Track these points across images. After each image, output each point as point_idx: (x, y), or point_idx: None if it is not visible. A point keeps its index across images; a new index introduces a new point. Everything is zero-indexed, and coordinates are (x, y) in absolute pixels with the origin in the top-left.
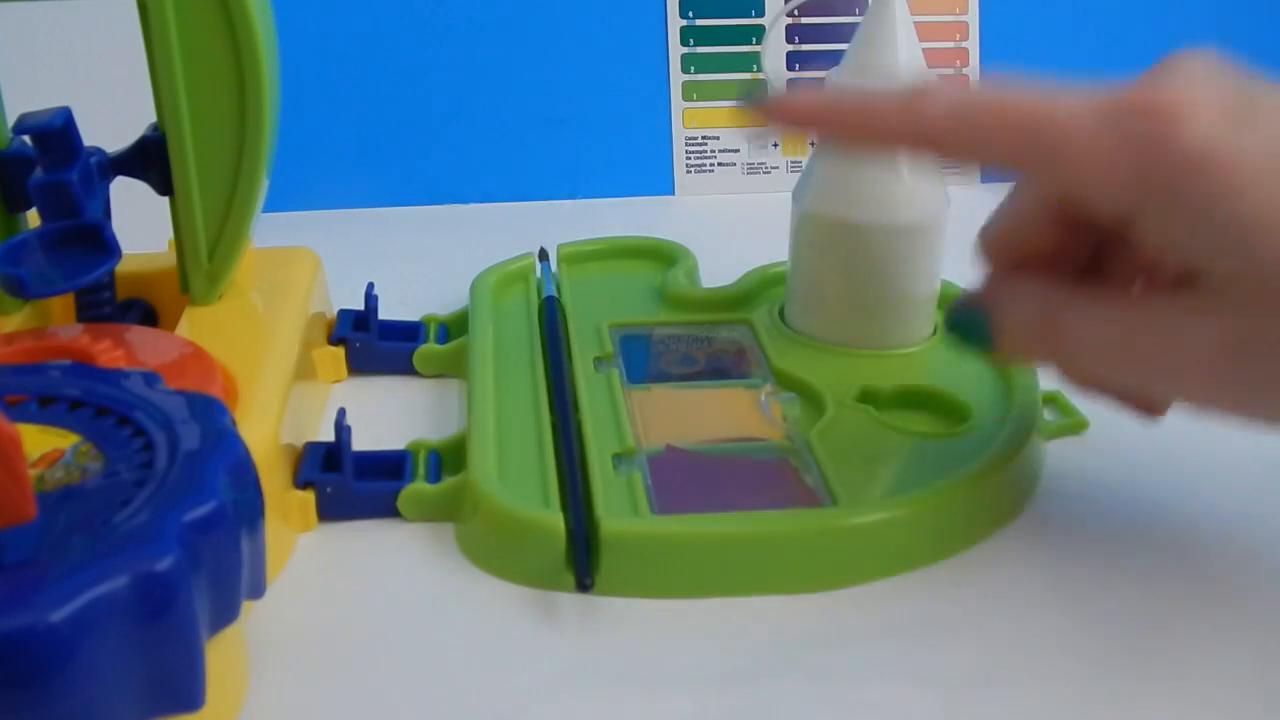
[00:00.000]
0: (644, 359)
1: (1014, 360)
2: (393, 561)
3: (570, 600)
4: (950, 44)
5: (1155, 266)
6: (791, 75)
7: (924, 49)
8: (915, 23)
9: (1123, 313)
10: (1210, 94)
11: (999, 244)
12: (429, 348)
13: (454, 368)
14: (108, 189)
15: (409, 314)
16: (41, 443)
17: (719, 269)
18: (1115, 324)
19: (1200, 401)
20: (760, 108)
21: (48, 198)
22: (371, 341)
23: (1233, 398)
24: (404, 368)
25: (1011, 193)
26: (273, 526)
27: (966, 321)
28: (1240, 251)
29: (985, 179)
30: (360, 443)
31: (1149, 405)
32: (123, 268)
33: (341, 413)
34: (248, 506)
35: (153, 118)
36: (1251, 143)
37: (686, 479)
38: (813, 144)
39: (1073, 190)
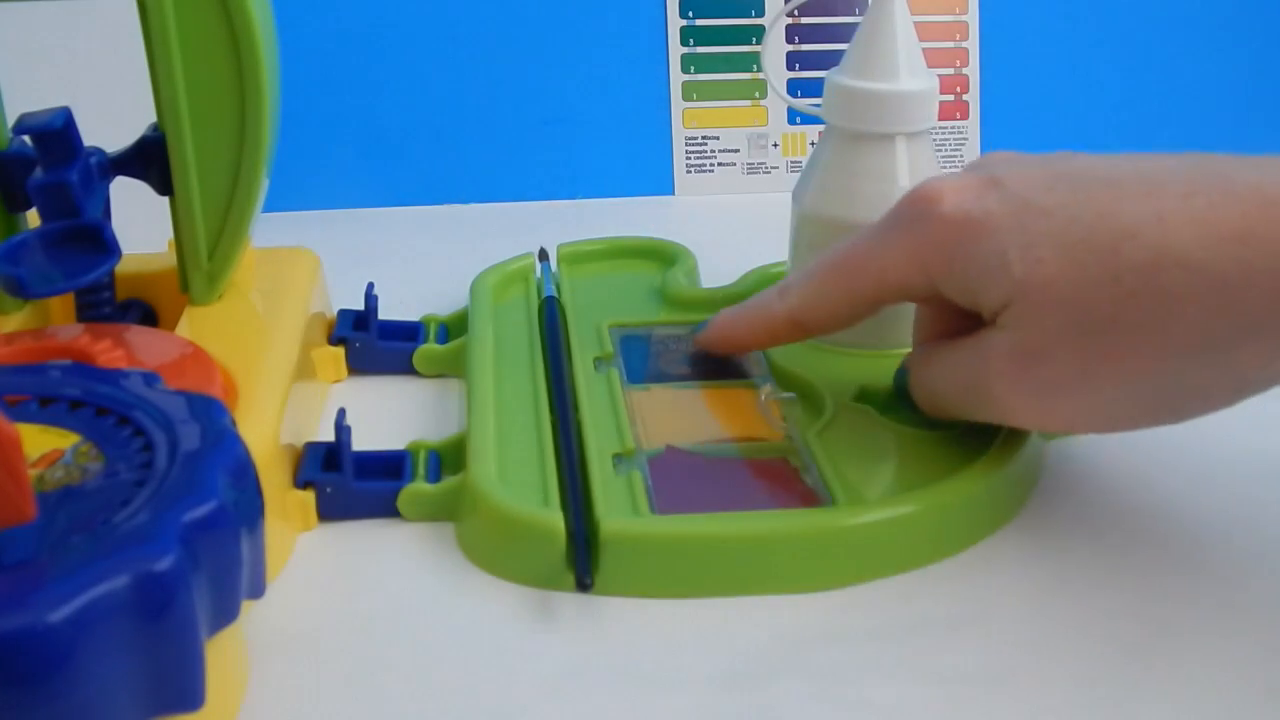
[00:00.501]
0: (644, 359)
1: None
2: (393, 561)
3: (570, 600)
4: (950, 44)
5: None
6: (791, 75)
7: (924, 49)
8: (915, 23)
9: (953, 352)
10: (964, 177)
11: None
12: (429, 348)
13: (454, 368)
14: (108, 189)
15: (409, 314)
16: (41, 443)
17: (719, 269)
18: (949, 360)
19: (1009, 417)
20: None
21: (48, 198)
22: (371, 341)
23: (1027, 404)
24: (404, 368)
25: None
26: (273, 526)
27: (898, 376)
28: (1002, 281)
29: None
30: (360, 443)
31: None
32: (123, 268)
33: (341, 413)
34: (248, 506)
35: (153, 118)
36: (996, 203)
37: (686, 479)
38: (813, 144)
39: (903, 291)
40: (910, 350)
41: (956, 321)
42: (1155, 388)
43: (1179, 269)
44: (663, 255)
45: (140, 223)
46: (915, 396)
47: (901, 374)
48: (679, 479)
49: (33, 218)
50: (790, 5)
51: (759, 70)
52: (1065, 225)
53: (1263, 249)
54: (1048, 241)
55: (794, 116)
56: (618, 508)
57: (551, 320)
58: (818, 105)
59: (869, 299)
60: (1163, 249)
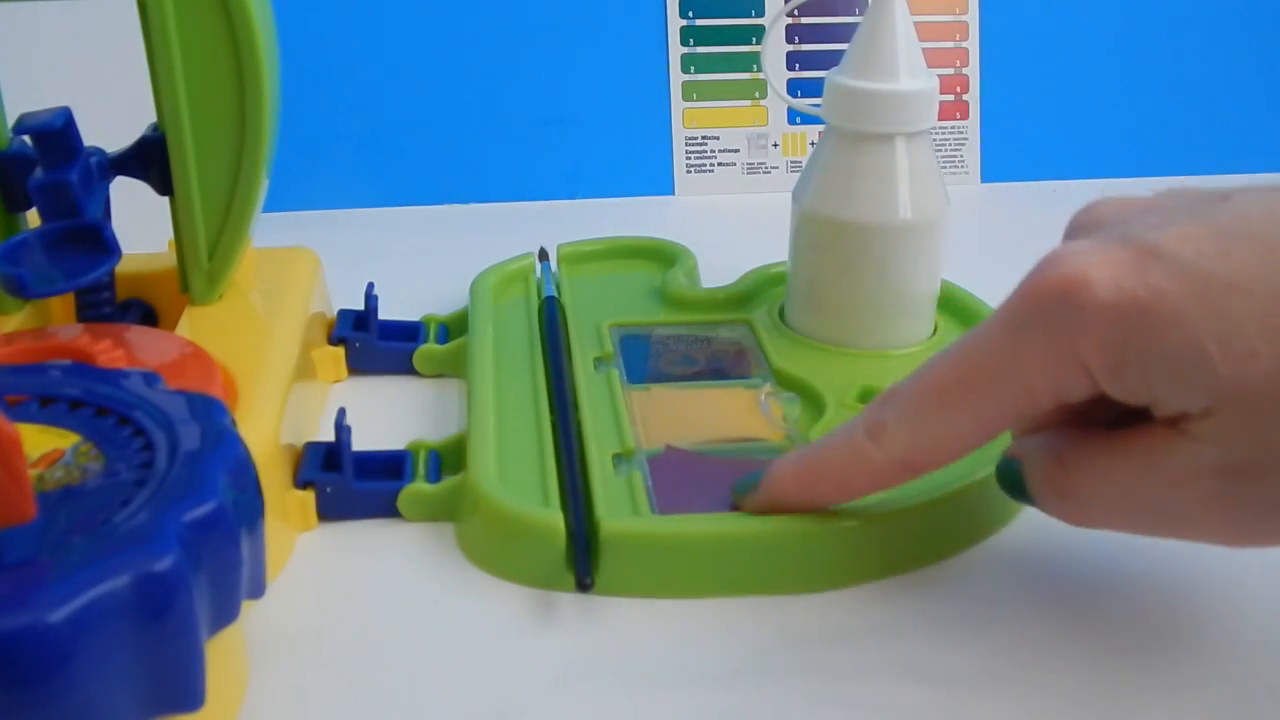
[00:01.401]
0: (644, 359)
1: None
2: (393, 561)
3: (570, 600)
4: (950, 44)
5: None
6: (791, 75)
7: (924, 49)
8: (915, 23)
9: (1124, 463)
10: (1103, 247)
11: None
12: (429, 348)
13: (454, 368)
14: (108, 189)
15: (409, 314)
16: (41, 443)
17: (719, 269)
18: (1118, 474)
19: (1208, 539)
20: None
21: (48, 198)
22: (371, 341)
23: (1236, 529)
24: (404, 368)
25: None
26: (273, 526)
27: (1007, 473)
28: (1199, 383)
29: (986, 179)
30: (360, 443)
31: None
32: (123, 268)
33: (341, 413)
34: (248, 506)
35: (153, 118)
36: (1165, 279)
37: (686, 479)
38: (813, 144)
39: (1056, 402)
40: (1014, 440)
41: (1090, 409)
42: None
43: None
44: (663, 255)
45: (140, 223)
46: (1054, 509)
47: (1010, 467)
48: (679, 479)
49: (33, 218)
50: (790, 5)
51: (759, 70)
52: (1271, 304)
53: None
54: (1253, 327)
55: (794, 116)
56: (618, 508)
57: (551, 320)
58: (818, 105)
59: (1009, 419)
60: None
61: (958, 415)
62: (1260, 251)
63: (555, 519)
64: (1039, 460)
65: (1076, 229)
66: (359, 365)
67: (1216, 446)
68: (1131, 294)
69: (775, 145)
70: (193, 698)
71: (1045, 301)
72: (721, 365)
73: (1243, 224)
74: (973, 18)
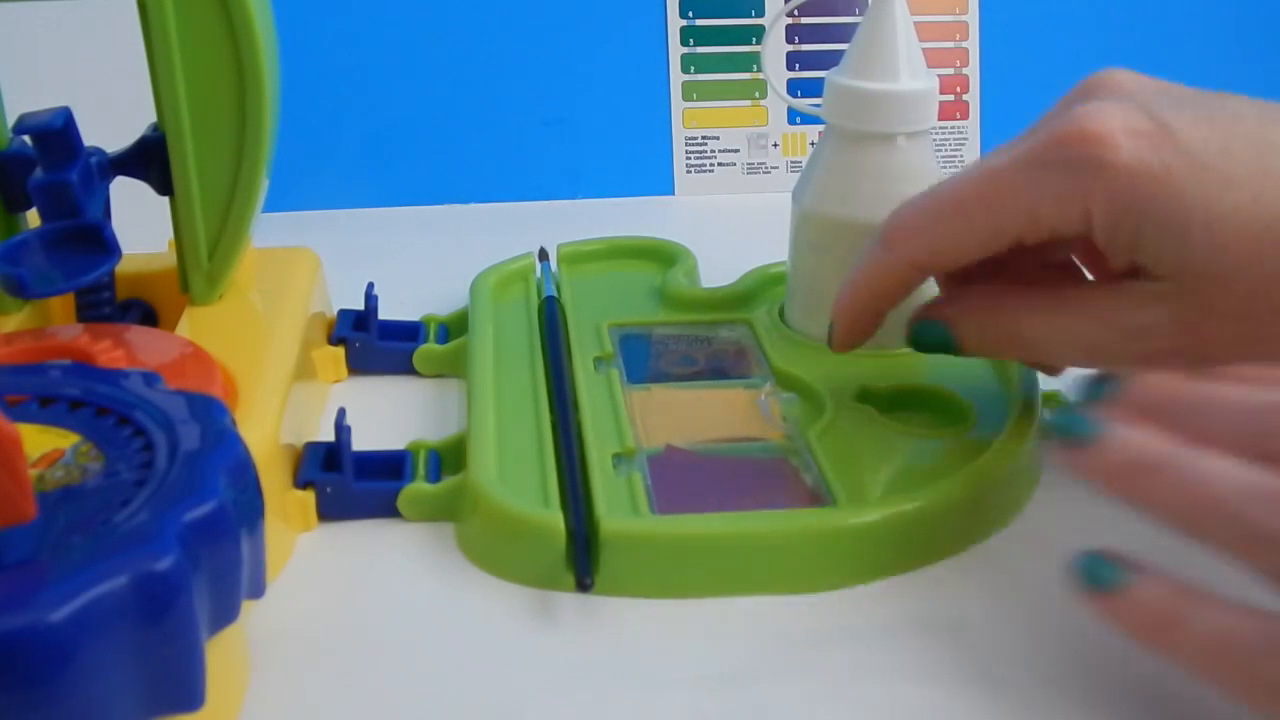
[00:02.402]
0: (644, 359)
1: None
2: (393, 561)
3: (570, 600)
4: (950, 44)
5: (1101, 262)
6: (791, 75)
7: (924, 49)
8: (915, 23)
9: (1078, 308)
10: (1131, 115)
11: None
12: (429, 348)
13: (454, 368)
14: (108, 189)
15: (409, 314)
16: (41, 443)
17: (719, 269)
18: (1070, 318)
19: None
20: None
21: (48, 198)
22: (371, 341)
23: (1185, 365)
24: (404, 368)
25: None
26: (273, 526)
27: (928, 335)
28: (1179, 249)
29: None
30: (360, 443)
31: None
32: (123, 268)
33: (341, 413)
34: (248, 506)
35: (153, 118)
36: (1175, 157)
37: (686, 479)
38: (813, 144)
39: (1050, 234)
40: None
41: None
42: None
43: None
44: (663, 255)
45: (140, 223)
46: (996, 349)
47: (933, 328)
48: (679, 479)
49: (33, 218)
50: (790, 5)
51: (759, 70)
52: (1251, 204)
53: None
54: (1232, 221)
55: (794, 116)
56: (618, 508)
57: (551, 320)
58: (818, 105)
59: (1010, 236)
60: None
61: (970, 226)
62: (1252, 155)
63: (555, 519)
64: (974, 316)
65: (1095, 88)
66: (359, 365)
67: (1178, 294)
68: (1148, 164)
69: (775, 145)
70: (193, 698)
71: (1072, 148)
72: (721, 365)
73: (1244, 129)
74: (973, 18)
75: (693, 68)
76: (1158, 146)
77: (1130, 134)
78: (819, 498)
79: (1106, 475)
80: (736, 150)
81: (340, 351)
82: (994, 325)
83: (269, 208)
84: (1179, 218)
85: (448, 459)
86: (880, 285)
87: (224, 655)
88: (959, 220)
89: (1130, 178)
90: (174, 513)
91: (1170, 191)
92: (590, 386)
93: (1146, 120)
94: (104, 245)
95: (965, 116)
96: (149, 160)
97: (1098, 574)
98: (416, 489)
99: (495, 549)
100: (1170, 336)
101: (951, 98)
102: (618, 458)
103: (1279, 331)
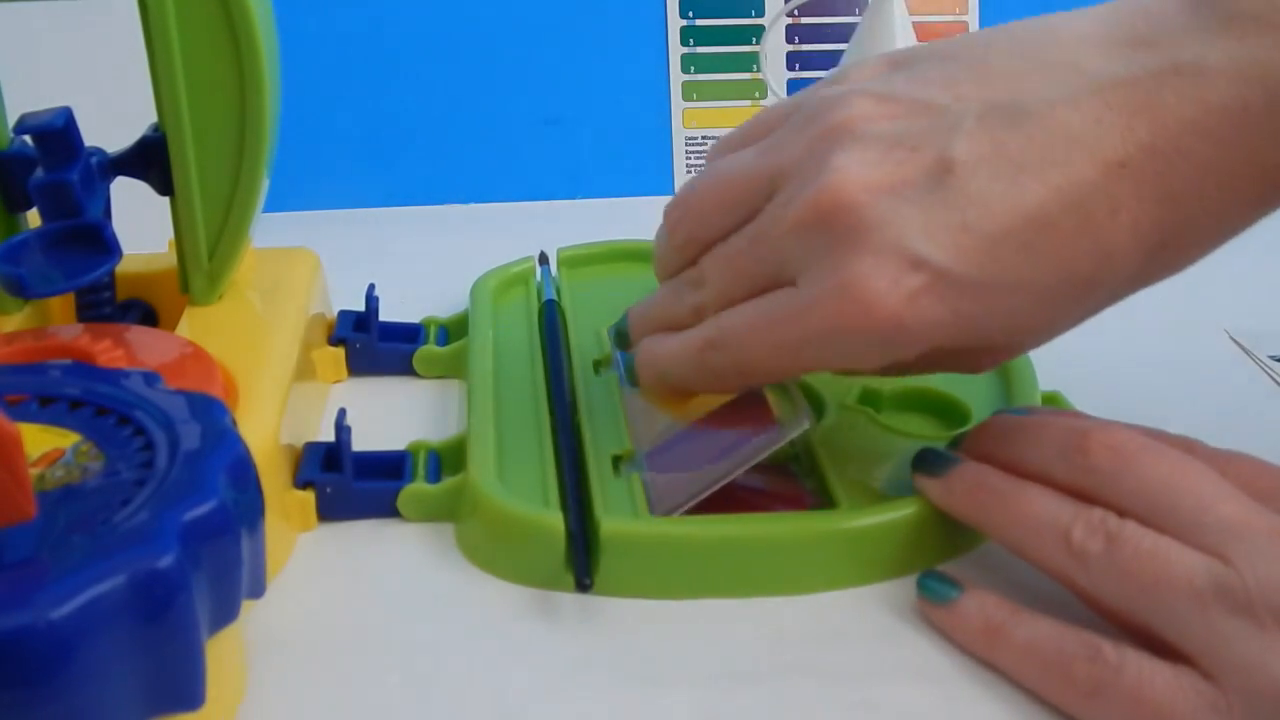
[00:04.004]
0: None
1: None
2: (393, 561)
3: (570, 600)
4: None
5: None
6: (791, 75)
7: None
8: (915, 23)
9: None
10: (892, 271)
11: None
12: (429, 349)
13: (454, 370)
14: (108, 189)
15: (409, 315)
16: (42, 442)
17: None
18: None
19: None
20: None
21: (48, 198)
22: (372, 343)
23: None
24: (404, 369)
25: None
26: (273, 526)
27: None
28: None
29: None
30: (360, 443)
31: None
32: (123, 268)
33: (341, 413)
34: (248, 506)
35: (153, 118)
36: (957, 299)
37: (686, 479)
38: None
39: None
40: None
41: None
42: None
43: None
44: None
45: (140, 223)
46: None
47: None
48: (679, 478)
49: (33, 218)
50: (790, 5)
51: (759, 70)
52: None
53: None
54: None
55: None
56: (617, 509)
57: (551, 324)
58: None
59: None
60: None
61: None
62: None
63: (555, 519)
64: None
65: (829, 167)
66: (359, 366)
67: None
68: (940, 321)
69: None
70: (193, 697)
71: (847, 319)
72: None
73: (1002, 147)
74: (973, 18)
75: (693, 68)
76: (940, 297)
77: (907, 299)
78: (820, 500)
79: (956, 503)
80: None
81: (340, 352)
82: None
83: (269, 208)
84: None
85: (448, 459)
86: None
87: (224, 655)
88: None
89: (931, 339)
90: (174, 512)
91: (980, 327)
92: (589, 390)
93: (910, 270)
94: (104, 245)
95: None
96: (149, 160)
97: (932, 589)
98: (416, 489)
99: (495, 549)
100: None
101: None
102: (617, 460)
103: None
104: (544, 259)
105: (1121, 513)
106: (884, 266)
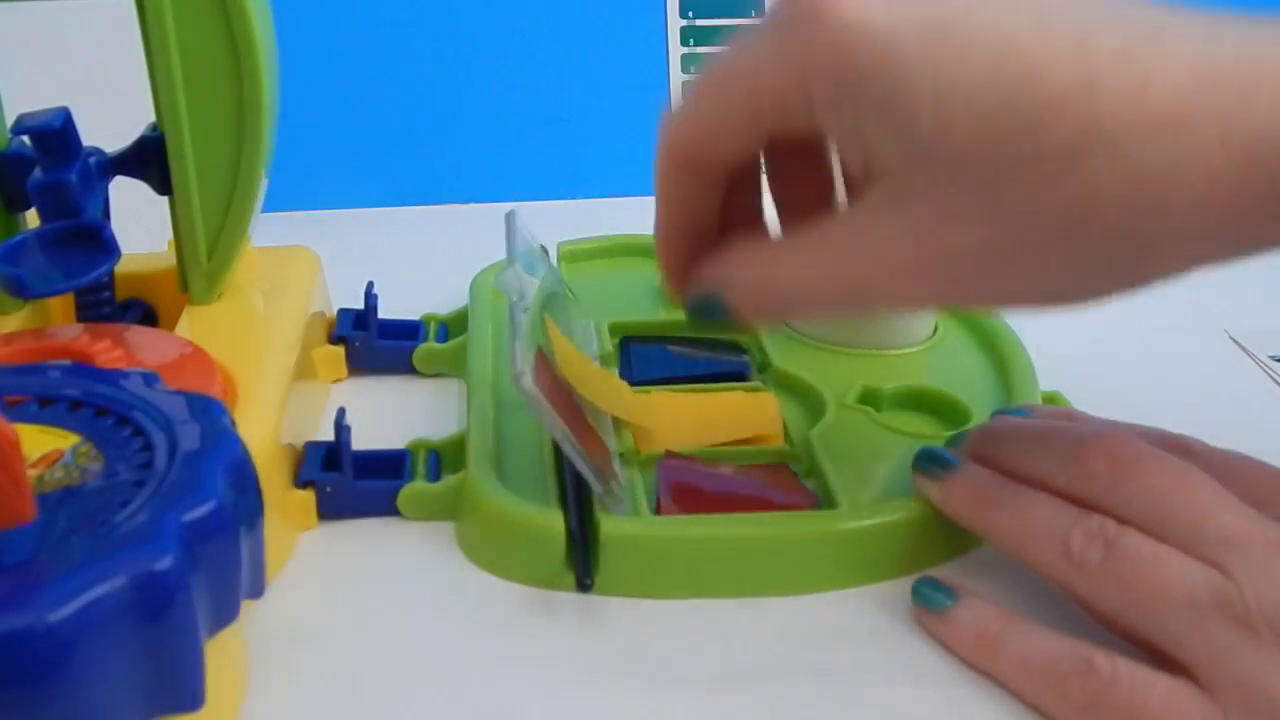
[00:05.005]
0: (644, 360)
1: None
2: (393, 561)
3: (570, 600)
4: None
5: (848, 179)
6: None
7: None
8: None
9: (820, 238)
10: None
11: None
12: (429, 346)
13: (454, 366)
14: (107, 189)
15: (409, 313)
16: (41, 443)
17: None
18: (816, 252)
19: (908, 304)
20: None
21: (47, 198)
22: (371, 340)
23: (932, 288)
24: (404, 367)
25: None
26: (272, 526)
27: (704, 307)
28: (904, 131)
29: None
30: (360, 442)
31: None
32: (122, 268)
33: (341, 412)
34: (247, 506)
35: (152, 118)
36: (906, 17)
37: (686, 479)
38: None
39: (780, 110)
40: None
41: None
42: (1061, 284)
43: (1105, 157)
44: None
45: (140, 223)
46: (760, 311)
47: (708, 299)
48: (679, 479)
49: (32, 218)
50: None
51: None
52: (985, 77)
53: (1196, 139)
54: (962, 97)
55: None
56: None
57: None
58: None
59: (743, 115)
60: (1091, 130)
61: (716, 105)
62: (998, 18)
63: (555, 519)
64: (738, 271)
65: None
66: (359, 364)
67: (915, 200)
68: (872, 24)
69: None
70: (193, 698)
71: (794, 5)
72: (722, 368)
73: None
74: None
75: (693, 68)
76: (890, 5)
77: None
78: (819, 500)
79: (955, 507)
80: None
81: (340, 351)
82: (754, 279)
83: (269, 208)
84: (902, 91)
85: (448, 458)
86: (663, 197)
87: (224, 655)
88: (710, 101)
89: (848, 38)
90: (174, 513)
91: (894, 59)
92: None
93: None
94: (103, 245)
95: None
96: (148, 160)
97: (928, 597)
98: (416, 488)
99: (495, 549)
100: (908, 252)
101: None
102: (617, 459)
103: (1027, 244)
104: (544, 252)
105: (1121, 520)
106: None
